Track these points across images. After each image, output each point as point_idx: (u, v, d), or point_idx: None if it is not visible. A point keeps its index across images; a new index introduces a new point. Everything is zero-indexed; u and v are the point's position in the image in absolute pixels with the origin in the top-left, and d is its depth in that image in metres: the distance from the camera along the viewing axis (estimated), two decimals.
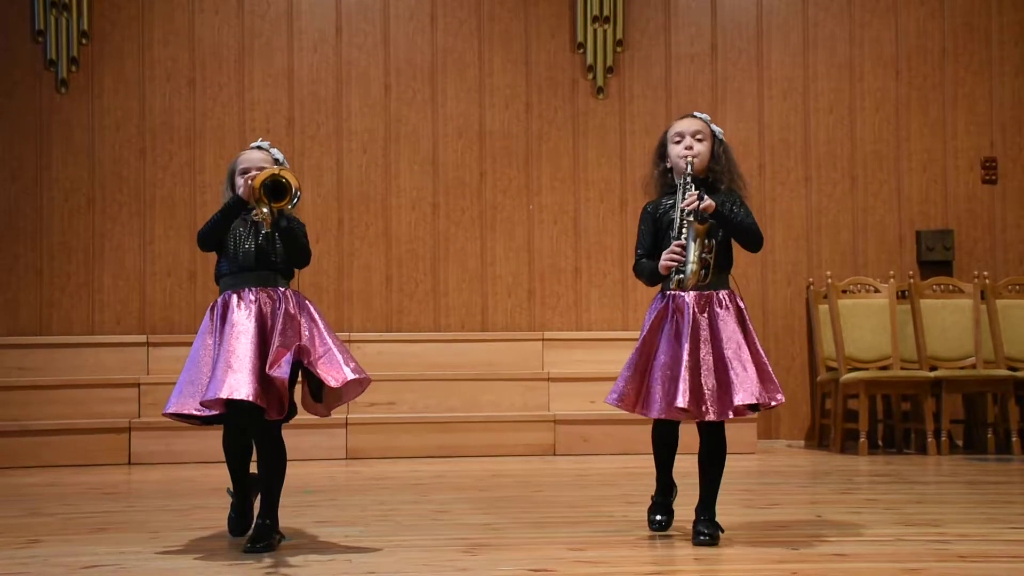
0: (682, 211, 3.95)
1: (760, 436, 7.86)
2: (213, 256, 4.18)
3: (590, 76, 8.37)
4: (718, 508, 4.14)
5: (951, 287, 7.98)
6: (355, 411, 7.26)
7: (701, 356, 3.92)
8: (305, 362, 3.93)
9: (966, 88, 8.52)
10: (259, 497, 4.08)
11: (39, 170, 7.98)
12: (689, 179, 4.00)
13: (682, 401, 3.84)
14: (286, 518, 4.36)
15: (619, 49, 8.39)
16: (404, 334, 8.08)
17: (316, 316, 4.03)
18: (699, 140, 4.11)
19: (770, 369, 3.96)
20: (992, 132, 8.52)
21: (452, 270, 8.24)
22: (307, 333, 3.97)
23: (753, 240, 4.04)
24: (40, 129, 7.99)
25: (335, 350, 3.96)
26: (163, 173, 8.08)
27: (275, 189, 3.90)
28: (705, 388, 3.90)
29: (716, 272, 3.97)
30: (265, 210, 3.90)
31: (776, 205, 8.41)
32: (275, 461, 3.99)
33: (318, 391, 4.04)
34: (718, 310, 3.98)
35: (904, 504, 5.01)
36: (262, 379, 3.84)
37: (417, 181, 8.26)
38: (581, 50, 8.38)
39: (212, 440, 7.01)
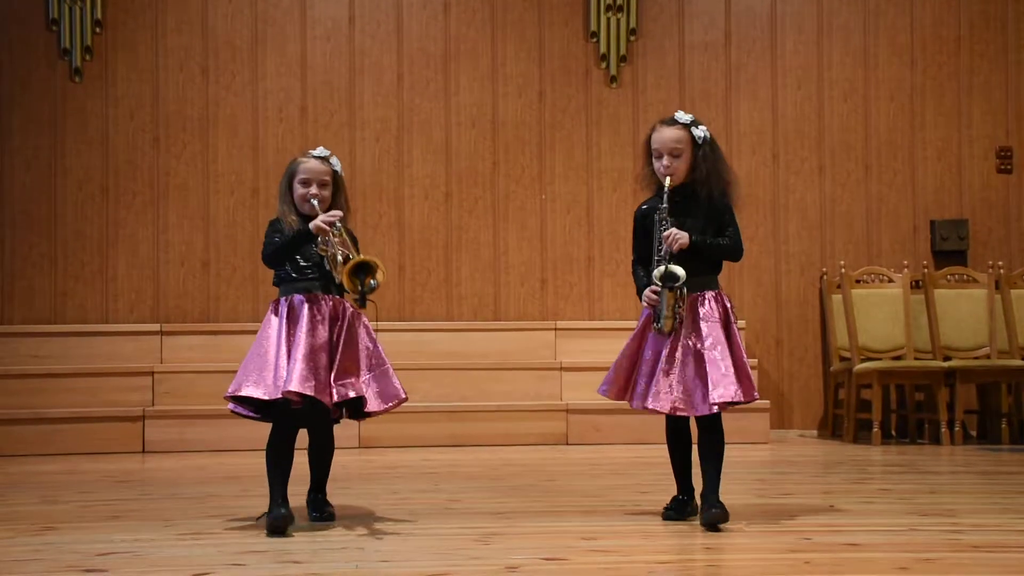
0: (661, 255, 4.10)
1: (773, 426, 7.85)
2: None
3: (603, 65, 8.36)
4: (729, 496, 4.15)
5: (965, 277, 7.95)
6: None
7: (679, 355, 4.11)
8: (363, 405, 4.25)
9: (982, 77, 8.47)
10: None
11: (53, 159, 8.00)
12: (665, 211, 4.12)
13: (652, 402, 4.11)
14: (299, 508, 4.38)
15: (632, 38, 8.36)
16: (417, 323, 8.08)
17: (370, 329, 4.31)
18: (676, 156, 4.18)
19: (749, 369, 4.14)
20: (1008, 121, 8.47)
21: (465, 259, 8.24)
22: (362, 347, 4.25)
23: (731, 258, 4.27)
24: (54, 118, 8.01)
25: (388, 369, 4.28)
26: (176, 162, 8.09)
27: (361, 269, 4.04)
28: (679, 386, 4.09)
29: (704, 274, 4.17)
30: (338, 278, 4.10)
31: (790, 194, 8.39)
32: (329, 445, 4.38)
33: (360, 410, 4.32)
34: (700, 310, 4.15)
35: (917, 494, 5.01)
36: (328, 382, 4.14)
37: (430, 170, 8.26)
38: (594, 39, 8.35)
39: (225, 429, 7.07)
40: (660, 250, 4.10)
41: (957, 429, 7.42)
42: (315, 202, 4.22)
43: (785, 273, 8.36)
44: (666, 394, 4.08)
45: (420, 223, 8.23)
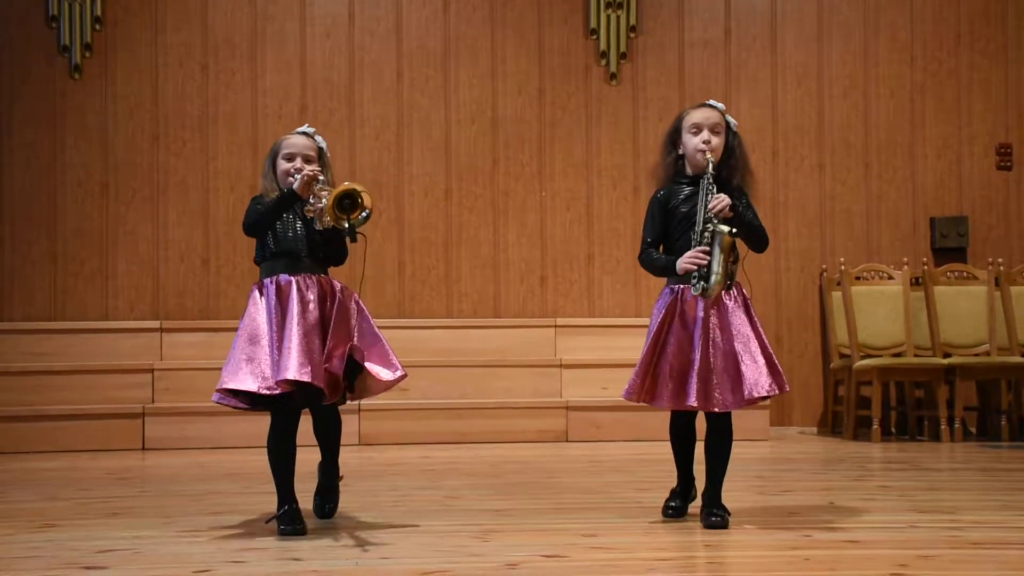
0: (708, 216, 3.91)
1: (773, 423, 7.86)
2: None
3: (603, 62, 8.35)
4: (729, 494, 4.15)
5: (965, 274, 7.95)
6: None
7: (711, 350, 3.95)
8: (356, 357, 4.00)
9: (981, 74, 8.47)
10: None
11: (53, 156, 8.00)
12: (711, 178, 3.97)
13: (692, 399, 3.91)
14: (305, 507, 4.37)
15: (632, 35, 8.36)
16: (417, 320, 8.09)
17: (363, 306, 4.12)
18: (716, 133, 4.07)
19: (775, 360, 4.01)
20: (1008, 118, 8.47)
21: (465, 256, 8.24)
22: (355, 323, 4.06)
23: (762, 242, 4.08)
24: (54, 115, 8.01)
25: (384, 344, 4.07)
26: (176, 159, 8.09)
27: (347, 201, 3.84)
28: (715, 381, 3.94)
29: None
30: (328, 219, 3.88)
31: (790, 192, 8.39)
32: (335, 428, 4.27)
33: (352, 382, 4.10)
34: (727, 303, 4.01)
35: (917, 491, 5.01)
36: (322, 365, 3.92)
37: (430, 167, 8.26)
38: (594, 36, 8.35)
39: (225, 427, 7.09)
40: (706, 212, 3.89)
41: (957, 426, 7.42)
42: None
43: (785, 270, 8.36)
44: (699, 391, 3.91)
45: (420, 220, 8.23)
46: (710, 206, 3.92)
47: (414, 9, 8.30)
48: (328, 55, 8.24)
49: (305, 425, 4.22)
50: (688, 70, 8.40)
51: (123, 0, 8.10)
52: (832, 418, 8.08)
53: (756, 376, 3.93)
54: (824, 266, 8.29)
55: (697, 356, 3.93)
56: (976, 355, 7.71)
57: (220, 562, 3.46)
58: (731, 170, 4.09)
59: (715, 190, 3.96)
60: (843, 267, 7.91)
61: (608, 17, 8.32)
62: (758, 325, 4.04)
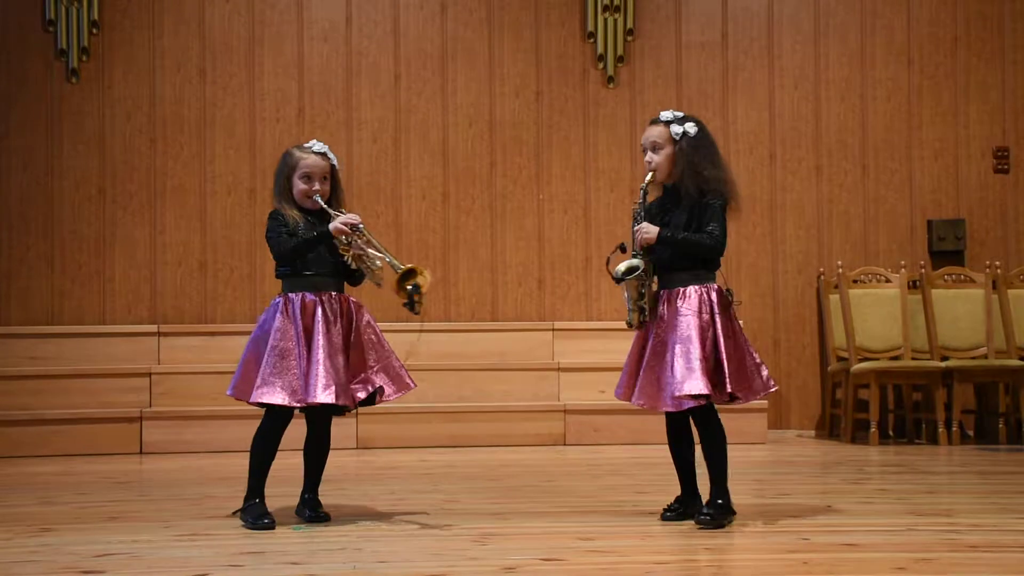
0: (634, 255, 4.17)
1: (770, 426, 7.85)
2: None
3: (600, 65, 8.36)
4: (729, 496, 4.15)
5: (963, 277, 7.96)
6: None
7: (655, 351, 4.10)
8: (379, 391, 4.28)
9: (979, 76, 8.48)
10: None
11: (50, 159, 8.00)
12: (640, 204, 4.20)
13: (635, 398, 4.12)
14: (290, 508, 4.37)
15: (629, 38, 8.37)
16: (414, 323, 8.07)
17: (373, 321, 4.37)
18: (655, 151, 4.22)
19: (726, 367, 4.03)
20: (1005, 121, 8.48)
21: (462, 260, 8.24)
22: (368, 338, 4.31)
23: (706, 255, 4.16)
24: (51, 118, 8.00)
25: (394, 360, 4.33)
26: (173, 163, 8.09)
27: (406, 276, 4.15)
28: (652, 380, 4.10)
29: (687, 269, 4.13)
30: (377, 279, 4.29)
31: (787, 194, 8.39)
32: (327, 443, 4.40)
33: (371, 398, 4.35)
34: (679, 304, 4.11)
35: (915, 494, 5.01)
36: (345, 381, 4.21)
37: (427, 171, 8.26)
38: (591, 39, 8.36)
39: (223, 431, 7.08)
40: (634, 245, 4.15)
41: (954, 429, 7.43)
42: (318, 198, 4.28)
43: (782, 273, 8.36)
44: (640, 390, 4.10)
45: (417, 223, 8.23)
46: (635, 245, 4.14)
47: (411, 12, 8.30)
48: (325, 58, 8.24)
49: (302, 431, 4.26)
50: (685, 73, 8.40)
51: (120, 4, 8.09)
52: (830, 421, 8.08)
53: (683, 378, 3.98)
54: (821, 269, 8.29)
55: (646, 356, 4.12)
56: (973, 358, 7.71)
57: (217, 566, 3.46)
58: (678, 179, 4.18)
59: (642, 219, 4.16)
60: (840, 270, 7.91)
61: (605, 20, 8.33)
62: (719, 329, 4.06)
